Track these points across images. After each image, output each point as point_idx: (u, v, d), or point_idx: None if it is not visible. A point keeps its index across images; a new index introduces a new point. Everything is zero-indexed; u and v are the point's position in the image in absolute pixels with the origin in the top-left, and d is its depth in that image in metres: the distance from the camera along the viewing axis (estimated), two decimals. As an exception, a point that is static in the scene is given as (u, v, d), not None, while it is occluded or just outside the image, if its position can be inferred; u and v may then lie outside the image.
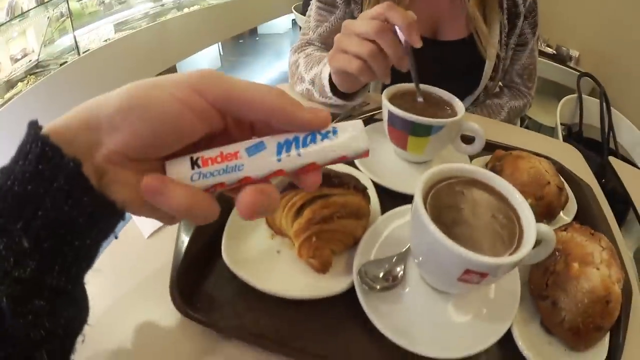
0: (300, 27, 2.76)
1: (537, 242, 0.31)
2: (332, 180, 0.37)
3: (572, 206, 0.50)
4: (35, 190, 0.19)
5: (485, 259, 0.26)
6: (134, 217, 0.44)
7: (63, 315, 0.21)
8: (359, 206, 0.38)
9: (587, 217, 0.47)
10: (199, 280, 0.37)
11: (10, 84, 1.54)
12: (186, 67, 2.68)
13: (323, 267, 0.36)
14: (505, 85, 0.87)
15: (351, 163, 0.49)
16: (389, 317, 0.33)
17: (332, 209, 0.36)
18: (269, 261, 0.38)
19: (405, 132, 0.47)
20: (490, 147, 0.55)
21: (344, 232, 0.37)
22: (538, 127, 1.66)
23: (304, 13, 2.43)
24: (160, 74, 0.23)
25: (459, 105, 0.49)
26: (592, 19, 1.81)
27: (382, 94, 0.49)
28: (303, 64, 0.69)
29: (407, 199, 0.43)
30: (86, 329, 0.24)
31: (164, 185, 0.21)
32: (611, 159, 0.81)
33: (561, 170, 0.53)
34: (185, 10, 2.50)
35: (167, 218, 0.24)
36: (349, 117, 0.60)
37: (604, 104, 1.40)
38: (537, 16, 0.75)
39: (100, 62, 1.86)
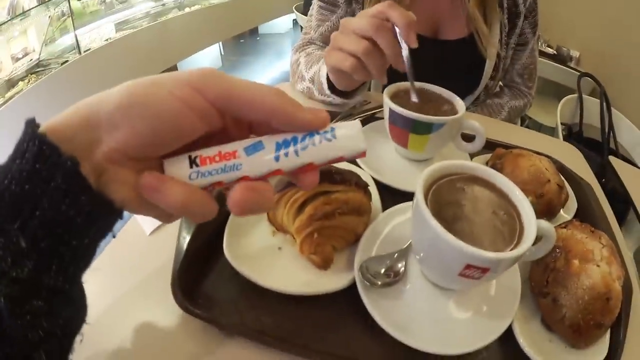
0: (301, 27, 2.77)
1: (538, 239, 0.32)
2: (334, 176, 0.37)
3: (572, 204, 0.50)
4: (32, 190, 0.19)
5: (486, 253, 0.26)
6: (136, 214, 0.44)
7: (61, 315, 0.21)
8: (360, 203, 0.38)
9: (587, 216, 0.47)
10: (201, 277, 0.37)
11: (11, 83, 1.54)
12: (187, 66, 2.68)
13: (324, 264, 0.36)
14: (505, 85, 0.87)
15: (352, 161, 0.49)
16: (390, 313, 0.33)
17: (333, 205, 0.36)
18: (271, 258, 0.38)
19: (406, 130, 0.47)
20: (490, 145, 0.55)
21: (345, 229, 0.38)
22: (538, 127, 1.66)
23: (304, 13, 2.43)
24: (161, 73, 0.22)
25: (459, 103, 0.49)
26: (592, 20, 1.81)
27: (383, 92, 0.50)
28: (304, 63, 0.69)
29: (407, 196, 0.43)
30: (85, 327, 0.24)
31: (161, 182, 0.21)
32: (611, 158, 0.81)
33: (561, 169, 0.54)
34: (186, 9, 2.50)
35: (165, 216, 0.24)
36: (349, 115, 0.61)
37: (604, 104, 1.40)
38: (537, 16, 0.75)
39: (101, 62, 1.86)
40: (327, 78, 0.59)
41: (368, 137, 0.58)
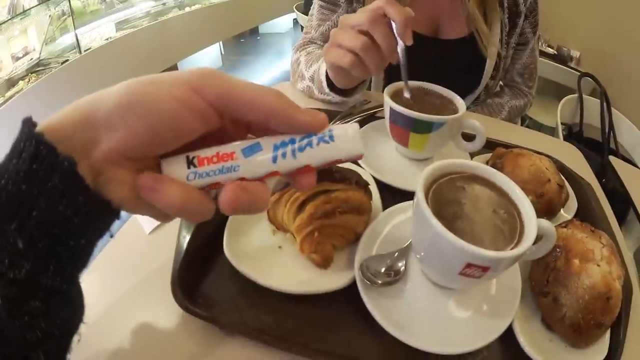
0: (301, 27, 2.77)
1: (538, 238, 0.32)
2: (334, 175, 0.37)
3: (573, 204, 0.50)
4: (29, 190, 0.19)
5: (486, 252, 0.26)
6: (134, 214, 0.44)
7: (58, 315, 0.21)
8: (360, 202, 0.38)
9: (587, 215, 0.47)
10: (201, 276, 0.37)
11: (12, 82, 1.54)
12: (187, 66, 2.68)
13: (324, 263, 0.36)
14: (506, 85, 0.87)
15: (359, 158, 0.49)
16: (391, 312, 0.33)
17: (334, 204, 0.36)
18: (271, 256, 0.38)
19: (406, 129, 0.47)
20: (490, 145, 0.55)
21: (345, 228, 0.38)
22: (539, 127, 1.66)
23: (305, 12, 2.43)
24: (162, 72, 0.22)
25: (460, 102, 0.49)
26: (592, 20, 1.81)
27: (383, 92, 0.50)
28: (304, 62, 0.69)
29: (408, 195, 0.43)
30: (86, 326, 0.24)
31: (159, 183, 0.21)
32: (611, 158, 0.81)
33: (562, 168, 0.54)
34: (187, 9, 2.50)
35: (162, 216, 0.24)
36: (349, 115, 0.61)
37: (605, 104, 1.40)
38: (537, 15, 0.75)
39: (101, 61, 1.85)
40: (327, 76, 0.59)
41: (368, 136, 0.58)
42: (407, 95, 0.50)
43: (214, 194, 0.23)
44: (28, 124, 0.20)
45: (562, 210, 0.48)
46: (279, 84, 0.76)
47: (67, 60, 1.71)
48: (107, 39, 1.94)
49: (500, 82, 0.85)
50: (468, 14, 0.70)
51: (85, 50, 1.80)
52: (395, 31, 0.46)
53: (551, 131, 1.46)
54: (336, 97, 0.61)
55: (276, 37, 3.79)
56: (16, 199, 0.19)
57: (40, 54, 1.65)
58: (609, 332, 0.35)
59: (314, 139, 0.22)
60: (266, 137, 0.22)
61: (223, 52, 3.22)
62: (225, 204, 0.21)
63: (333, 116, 0.59)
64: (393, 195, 0.46)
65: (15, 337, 0.19)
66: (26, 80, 1.58)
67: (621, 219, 0.88)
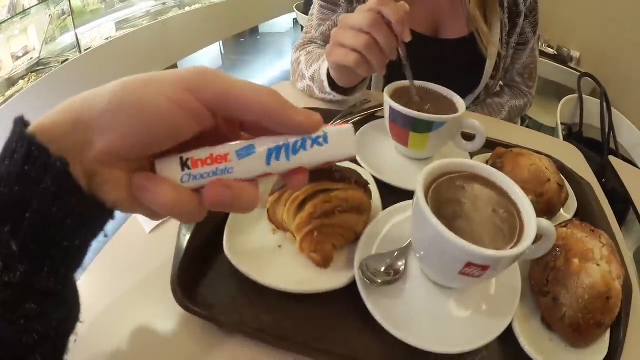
0: (301, 26, 2.77)
1: (538, 237, 0.32)
2: (333, 174, 0.37)
3: (572, 204, 0.50)
4: (22, 192, 0.19)
5: (486, 251, 0.26)
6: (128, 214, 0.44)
7: (54, 317, 0.21)
8: (360, 201, 0.38)
9: (587, 215, 0.47)
10: (201, 275, 0.37)
11: (11, 82, 1.54)
12: (187, 65, 2.67)
13: (324, 262, 0.36)
14: (506, 85, 0.87)
15: (352, 159, 0.49)
16: (390, 312, 0.33)
17: (333, 203, 0.36)
18: (271, 256, 0.38)
19: (406, 129, 0.47)
20: (490, 144, 0.55)
21: (345, 227, 0.38)
22: (538, 127, 1.66)
23: (305, 12, 2.43)
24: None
25: (459, 102, 0.49)
26: (592, 20, 1.81)
27: (383, 91, 0.50)
28: (304, 61, 0.69)
29: (407, 195, 0.43)
30: (85, 325, 0.24)
31: (152, 183, 0.21)
32: (611, 158, 0.80)
33: (561, 168, 0.53)
34: (187, 8, 2.50)
35: (154, 215, 0.24)
36: (350, 114, 0.61)
37: (605, 104, 1.40)
38: (537, 15, 0.75)
39: (101, 60, 1.85)
40: (328, 75, 0.59)
41: (368, 136, 0.58)
42: (416, 98, 0.50)
43: None
44: (20, 124, 0.19)
45: (561, 210, 0.48)
46: (279, 84, 0.76)
47: (67, 60, 1.71)
48: (107, 39, 1.94)
49: (500, 82, 0.85)
50: (468, 14, 0.70)
51: (85, 50, 1.80)
52: (395, 29, 0.46)
53: (551, 131, 1.46)
54: (337, 97, 0.61)
55: (276, 37, 3.79)
56: (9, 200, 0.19)
57: (40, 53, 1.65)
58: (609, 332, 0.35)
59: (308, 141, 0.22)
60: (260, 139, 0.22)
61: (223, 52, 3.22)
62: (206, 200, 0.22)
63: (333, 115, 0.59)
64: (393, 194, 0.46)
65: (11, 341, 0.19)
66: (26, 79, 1.58)
67: (621, 219, 0.88)
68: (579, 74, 1.58)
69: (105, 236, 0.24)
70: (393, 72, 0.51)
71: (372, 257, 0.36)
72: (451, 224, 0.29)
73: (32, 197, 0.19)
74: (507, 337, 0.34)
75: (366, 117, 0.60)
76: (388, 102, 0.47)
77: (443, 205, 0.31)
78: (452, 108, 0.49)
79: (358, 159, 0.50)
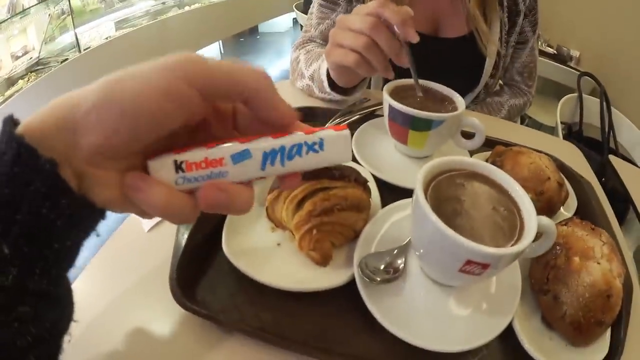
0: (301, 26, 2.76)
1: (538, 235, 0.31)
2: (332, 172, 0.37)
3: (572, 202, 0.50)
4: (11, 194, 0.19)
5: (486, 249, 0.26)
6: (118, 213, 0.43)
7: (48, 318, 0.21)
8: (360, 199, 0.37)
9: (587, 214, 0.47)
10: (199, 274, 0.37)
11: (11, 81, 1.54)
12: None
13: (323, 260, 0.36)
14: (505, 84, 0.87)
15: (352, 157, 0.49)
16: (390, 310, 0.33)
17: (333, 201, 0.36)
18: (270, 254, 0.38)
19: (405, 127, 0.47)
20: (490, 143, 0.55)
21: (344, 225, 0.37)
22: (538, 126, 1.66)
23: (304, 11, 2.43)
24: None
25: (459, 100, 0.49)
26: (592, 19, 1.81)
27: (382, 89, 0.49)
28: (303, 60, 0.69)
29: (407, 193, 0.43)
30: (83, 325, 0.24)
31: (145, 183, 0.21)
32: (611, 157, 0.80)
33: (561, 167, 0.53)
34: (186, 8, 2.50)
35: (144, 213, 0.23)
36: (349, 113, 0.60)
37: (604, 103, 1.40)
38: (537, 14, 0.75)
39: (101, 60, 1.86)
40: (328, 75, 0.59)
41: (368, 134, 0.58)
42: (420, 94, 0.50)
43: None
44: (10, 123, 0.19)
45: (562, 209, 0.48)
46: (278, 83, 0.76)
47: (66, 59, 1.71)
48: (106, 38, 1.94)
49: (500, 81, 0.85)
50: (468, 13, 0.69)
51: (84, 49, 1.80)
52: (397, 31, 0.45)
53: (551, 130, 1.46)
54: (337, 96, 0.61)
55: (276, 37, 3.79)
56: (0, 203, 0.19)
57: (39, 53, 1.65)
58: (609, 330, 0.35)
59: (304, 147, 0.23)
60: (255, 142, 0.22)
61: (222, 51, 3.22)
62: (201, 202, 0.22)
63: (333, 114, 0.59)
64: (392, 192, 0.45)
65: (5, 344, 0.19)
66: (26, 79, 1.58)
67: (621, 218, 0.88)
68: (578, 73, 1.58)
69: (98, 235, 0.24)
70: (397, 69, 0.50)
71: (371, 255, 0.36)
72: (451, 222, 0.29)
73: (22, 199, 0.19)
74: (508, 336, 0.33)
75: (365, 115, 0.60)
76: (387, 101, 0.47)
77: (443, 202, 0.31)
78: (451, 106, 0.49)
79: (357, 157, 0.50)
